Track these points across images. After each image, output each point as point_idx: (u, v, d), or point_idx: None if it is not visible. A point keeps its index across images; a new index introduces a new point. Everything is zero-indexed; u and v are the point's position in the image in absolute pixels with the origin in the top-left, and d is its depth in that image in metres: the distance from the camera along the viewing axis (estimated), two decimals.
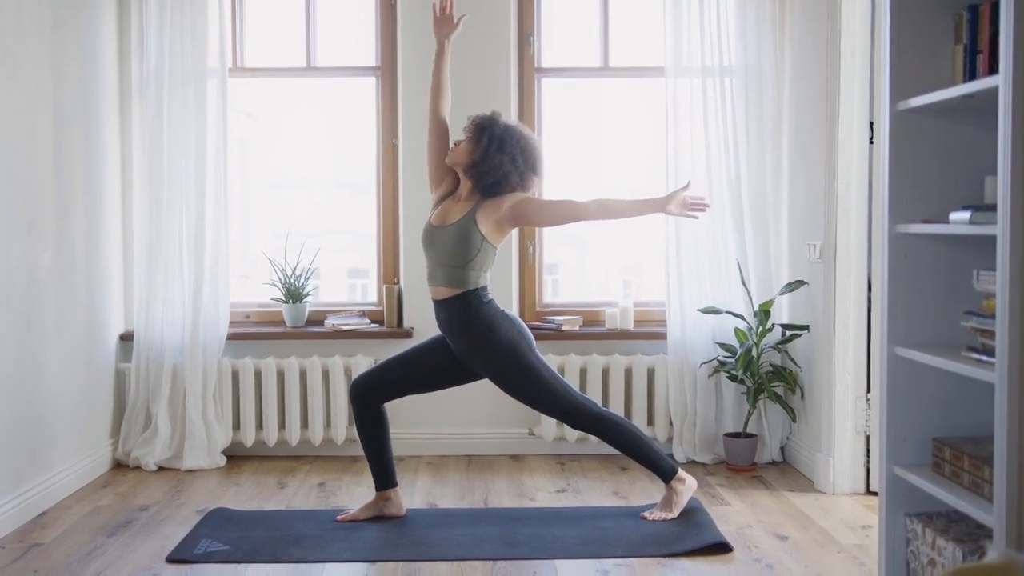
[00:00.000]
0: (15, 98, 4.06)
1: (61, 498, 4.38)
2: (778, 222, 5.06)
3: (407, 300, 5.19)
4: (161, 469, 4.93)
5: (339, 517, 4.05)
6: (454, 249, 3.84)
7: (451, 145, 4.00)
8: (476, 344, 3.89)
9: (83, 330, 4.69)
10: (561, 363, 5.03)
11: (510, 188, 3.88)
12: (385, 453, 4.04)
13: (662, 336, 5.09)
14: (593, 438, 5.00)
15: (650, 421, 5.14)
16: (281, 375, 5.11)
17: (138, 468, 4.93)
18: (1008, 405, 2.38)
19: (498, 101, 5.01)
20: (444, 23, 4.05)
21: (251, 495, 4.50)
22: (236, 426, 5.12)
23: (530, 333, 3.98)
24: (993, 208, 2.50)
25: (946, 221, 2.79)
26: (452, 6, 4.05)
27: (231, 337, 5.07)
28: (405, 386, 4.05)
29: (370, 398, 4.00)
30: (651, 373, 5.14)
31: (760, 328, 4.79)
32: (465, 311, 3.86)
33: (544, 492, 4.52)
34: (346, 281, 5.79)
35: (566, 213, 3.94)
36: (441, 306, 3.92)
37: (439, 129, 4.07)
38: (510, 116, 5.02)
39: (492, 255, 3.91)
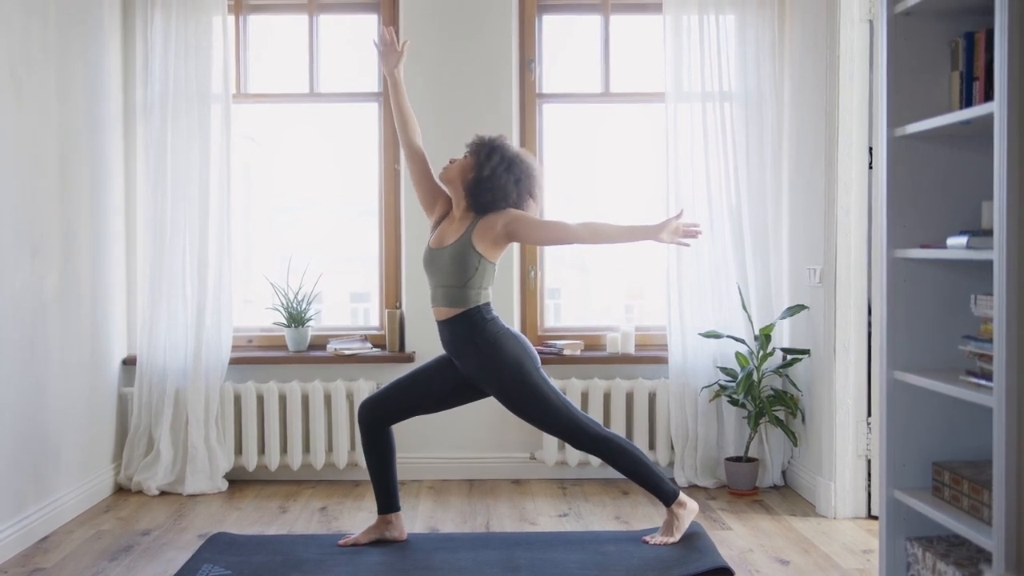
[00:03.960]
0: (22, 123, 4.10)
1: (63, 522, 4.38)
2: (778, 246, 5.08)
3: (409, 324, 5.20)
4: (163, 494, 4.93)
5: (341, 541, 4.05)
6: (453, 270, 3.87)
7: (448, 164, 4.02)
8: (481, 362, 3.90)
9: (86, 354, 4.71)
10: (563, 387, 5.04)
11: (504, 206, 3.92)
12: (389, 477, 4.05)
13: (663, 360, 5.10)
14: (595, 462, 5.00)
15: (651, 445, 5.15)
16: (283, 399, 5.12)
17: (140, 492, 4.93)
18: (1006, 429, 2.39)
19: (500, 126, 5.04)
20: (389, 54, 4.09)
21: (253, 520, 4.50)
22: (238, 450, 5.13)
23: (535, 351, 3.99)
24: (990, 233, 2.52)
25: (944, 246, 2.82)
26: (393, 35, 4.10)
27: (233, 361, 5.09)
28: (412, 407, 4.06)
29: (378, 421, 4.02)
30: (652, 397, 5.15)
31: (761, 352, 4.80)
32: (469, 329, 3.88)
33: (546, 516, 4.52)
34: (348, 305, 5.81)
35: (556, 235, 3.97)
36: (445, 326, 3.94)
37: (417, 157, 4.12)
38: (512, 141, 5.06)
39: (491, 272, 3.94)
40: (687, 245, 4.15)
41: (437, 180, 4.09)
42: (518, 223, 3.91)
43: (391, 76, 4.09)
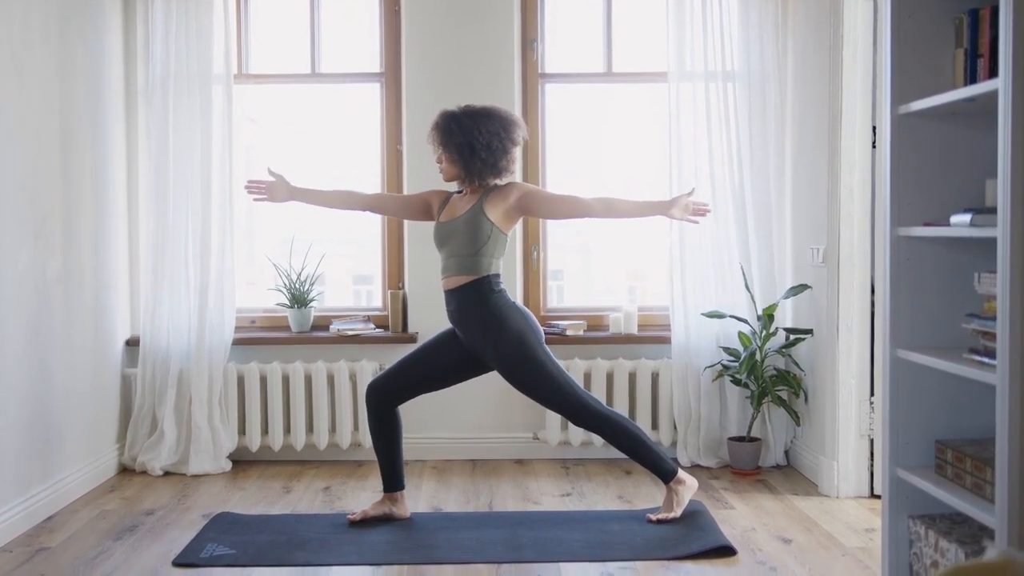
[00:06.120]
0: (23, 105, 4.09)
1: (68, 502, 4.40)
2: (781, 226, 5.07)
3: (412, 305, 5.20)
4: (167, 474, 4.94)
5: (350, 516, 4.07)
6: (466, 237, 3.89)
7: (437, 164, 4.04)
8: (485, 334, 3.92)
9: (90, 335, 4.72)
10: (566, 367, 5.01)
11: (503, 161, 3.93)
12: (396, 457, 4.08)
13: (666, 340, 5.10)
14: (597, 442, 5.01)
15: (654, 425, 5.15)
16: (286, 380, 5.13)
17: (144, 473, 4.95)
18: (1009, 407, 2.39)
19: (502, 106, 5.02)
20: (273, 190, 4.16)
21: (257, 499, 4.52)
22: (242, 431, 5.14)
23: (539, 327, 4.00)
24: (994, 211, 2.51)
25: (947, 224, 2.81)
26: (255, 183, 4.18)
27: (237, 342, 5.09)
28: (418, 384, 4.08)
29: (386, 400, 4.04)
30: (655, 377, 5.15)
31: (764, 332, 4.80)
32: (476, 299, 3.89)
33: (548, 496, 4.53)
34: (351, 287, 5.81)
35: (570, 209, 4.00)
36: (452, 295, 3.95)
37: (384, 204, 4.35)
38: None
39: (503, 242, 3.95)
40: (696, 222, 4.18)
41: (441, 184, 4.17)
42: (532, 196, 3.95)
43: (295, 198, 4.17)
